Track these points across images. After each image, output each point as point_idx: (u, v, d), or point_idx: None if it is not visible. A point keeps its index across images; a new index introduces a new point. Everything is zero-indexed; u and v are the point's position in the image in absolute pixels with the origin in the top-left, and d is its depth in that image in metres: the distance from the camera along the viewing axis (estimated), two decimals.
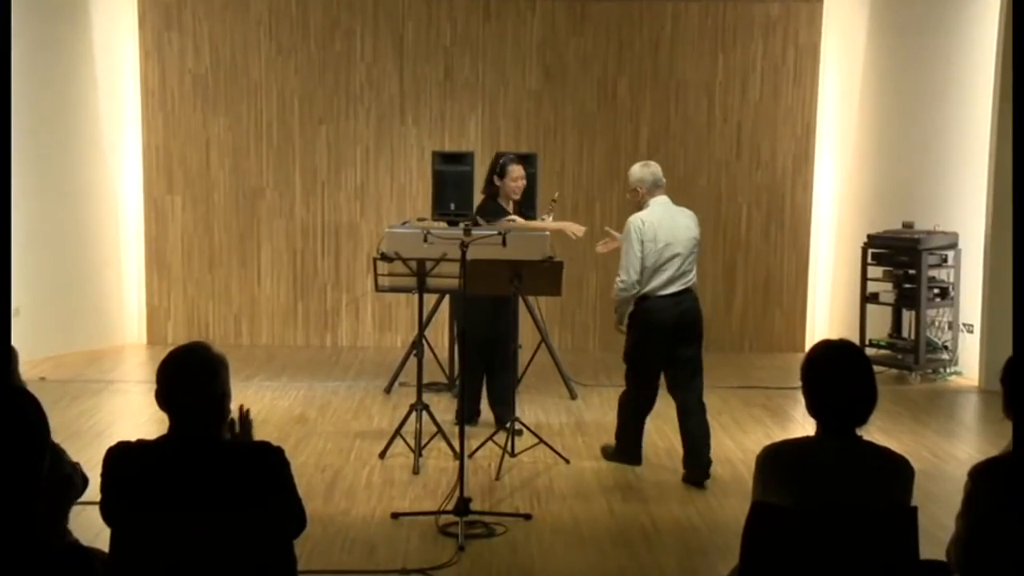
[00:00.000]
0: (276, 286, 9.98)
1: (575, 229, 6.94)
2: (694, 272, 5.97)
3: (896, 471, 3.04)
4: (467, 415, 6.65)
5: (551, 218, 6.83)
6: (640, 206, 5.94)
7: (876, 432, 6.73)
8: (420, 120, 9.85)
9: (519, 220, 6.81)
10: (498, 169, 6.84)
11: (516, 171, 6.78)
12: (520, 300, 7.26)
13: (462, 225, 6.14)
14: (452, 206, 7.78)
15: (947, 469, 6.08)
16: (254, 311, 9.97)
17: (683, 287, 5.90)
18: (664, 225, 5.87)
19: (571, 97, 9.89)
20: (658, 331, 5.86)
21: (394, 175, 9.90)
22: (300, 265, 9.96)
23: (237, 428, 3.13)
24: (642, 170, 5.98)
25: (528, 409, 7.44)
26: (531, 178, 7.71)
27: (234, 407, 3.12)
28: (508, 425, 6.22)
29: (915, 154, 9.04)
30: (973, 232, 8.30)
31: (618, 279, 5.87)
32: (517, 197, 6.82)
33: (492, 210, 6.83)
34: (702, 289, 9.96)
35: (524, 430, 6.39)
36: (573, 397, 7.82)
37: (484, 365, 6.84)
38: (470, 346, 6.42)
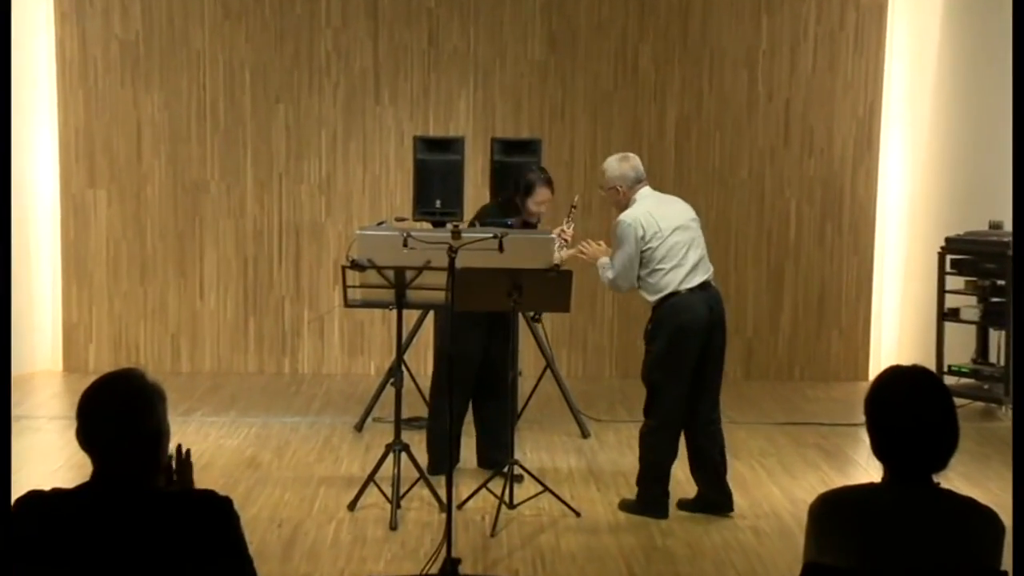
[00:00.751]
0: (222, 300, 9.98)
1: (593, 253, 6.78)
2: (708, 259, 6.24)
3: (982, 526, 3.04)
4: (440, 460, 6.63)
5: (571, 229, 6.88)
6: (624, 206, 6.16)
7: (958, 479, 6.72)
8: (399, 98, 9.87)
9: None
10: (523, 187, 6.82)
11: (543, 194, 6.82)
12: (521, 318, 7.26)
13: (450, 226, 6.14)
14: (438, 203, 7.80)
15: None
16: (196, 331, 9.97)
17: (707, 276, 6.15)
18: (662, 212, 6.13)
19: (582, 71, 9.91)
20: (692, 333, 6.03)
21: (367, 165, 9.92)
22: (252, 275, 9.97)
23: (174, 474, 3.13)
24: (621, 165, 6.24)
25: (530, 450, 7.44)
26: None
27: (172, 447, 3.12)
28: (506, 469, 6.22)
29: (1004, 139, 9.05)
30: None
31: (607, 273, 6.16)
32: (535, 221, 6.86)
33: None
34: (743, 303, 10.00)
35: (525, 475, 6.38)
36: (585, 435, 7.83)
37: (468, 398, 6.86)
38: (457, 373, 6.42)
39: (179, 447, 3.18)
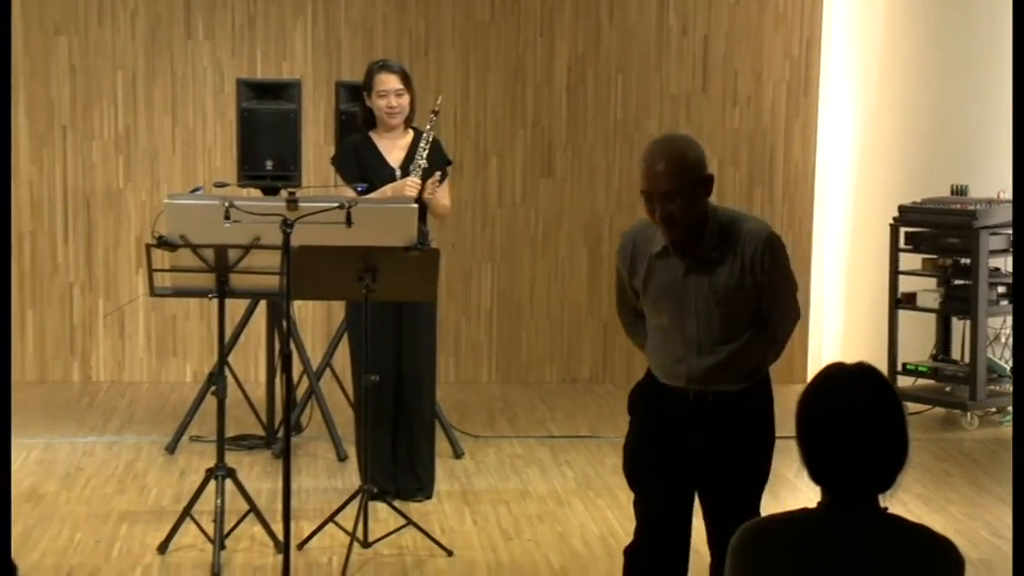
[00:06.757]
0: None
1: (409, 186, 6.88)
2: None
3: (936, 560, 3.11)
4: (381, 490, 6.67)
5: (430, 139, 6.94)
6: (702, 213, 4.82)
7: (913, 501, 6.90)
8: (216, 30, 9.78)
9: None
10: (364, 87, 7.06)
11: (387, 81, 6.96)
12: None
13: (284, 193, 6.14)
14: (269, 164, 7.77)
15: None
16: None
17: None
18: None
19: None
20: None
21: (177, 116, 9.82)
22: (30, 256, 9.83)
23: None
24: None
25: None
26: None
27: None
28: (360, 498, 6.22)
29: (971, 88, 9.22)
30: None
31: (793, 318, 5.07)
32: (395, 123, 6.99)
33: (355, 155, 6.95)
34: None
35: (383, 505, 6.41)
36: (457, 455, 7.85)
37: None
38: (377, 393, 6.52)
39: None
